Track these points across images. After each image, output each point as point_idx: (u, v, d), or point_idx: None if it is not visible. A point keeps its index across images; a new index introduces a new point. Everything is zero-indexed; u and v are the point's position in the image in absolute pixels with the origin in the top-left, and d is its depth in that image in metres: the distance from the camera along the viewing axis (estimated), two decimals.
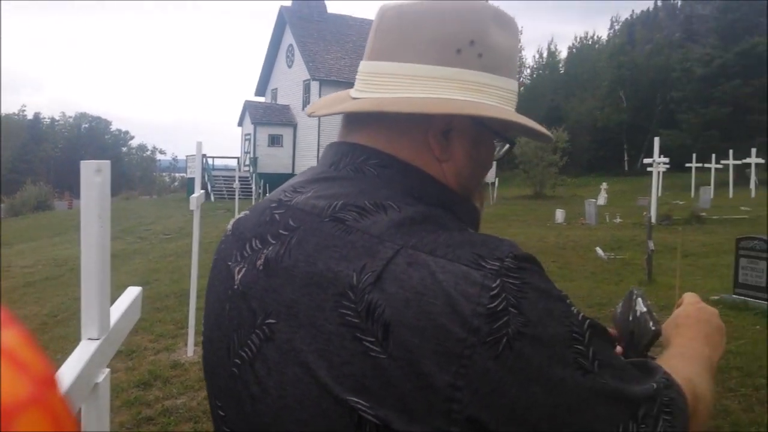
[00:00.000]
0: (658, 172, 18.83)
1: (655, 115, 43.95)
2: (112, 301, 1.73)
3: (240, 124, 42.12)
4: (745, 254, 7.65)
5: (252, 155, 38.46)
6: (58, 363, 1.20)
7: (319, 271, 0.70)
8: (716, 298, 7.92)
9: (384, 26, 0.83)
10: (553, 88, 58.86)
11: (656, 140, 18.52)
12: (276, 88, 43.31)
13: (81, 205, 1.48)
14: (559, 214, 19.39)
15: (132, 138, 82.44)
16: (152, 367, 5.58)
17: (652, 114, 44.40)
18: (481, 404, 0.63)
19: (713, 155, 27.16)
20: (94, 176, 1.46)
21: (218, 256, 0.87)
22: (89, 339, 1.37)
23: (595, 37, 68.61)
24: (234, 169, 38.00)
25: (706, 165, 26.85)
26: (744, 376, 5.04)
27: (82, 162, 1.47)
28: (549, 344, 0.66)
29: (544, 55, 68.98)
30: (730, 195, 25.24)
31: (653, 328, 1.01)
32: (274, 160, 37.70)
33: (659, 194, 20.15)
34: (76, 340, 1.37)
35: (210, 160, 37.89)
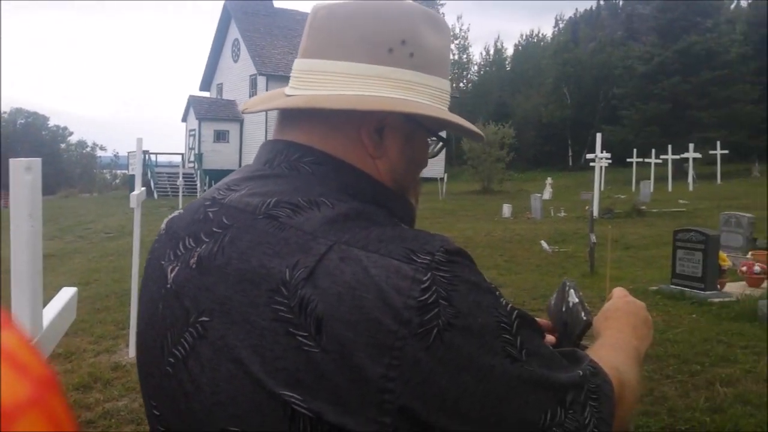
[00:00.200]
0: (601, 167, 19.38)
1: (598, 112, 45.20)
2: (48, 302, 1.68)
3: (184, 119, 41.26)
4: (681, 246, 7.94)
5: (197, 151, 37.76)
6: None
7: (252, 268, 0.70)
8: (655, 288, 8.21)
9: (316, 25, 0.84)
10: (500, 84, 59.84)
11: (598, 136, 19.04)
12: (221, 83, 42.62)
13: (10, 204, 1.43)
14: (506, 209, 19.74)
15: (71, 134, 79.67)
16: (92, 369, 5.42)
17: (594, 110, 45.64)
18: (413, 394, 0.65)
19: (653, 150, 28.11)
20: (23, 174, 1.41)
21: (152, 255, 0.87)
22: None
23: (540, 35, 70.14)
24: (178, 166, 37.31)
25: (647, 160, 27.77)
26: (681, 363, 5.24)
27: (10, 160, 1.42)
28: (478, 334, 0.67)
29: (491, 52, 70.00)
30: (669, 189, 26.14)
31: (585, 318, 1.04)
32: (220, 156, 37.11)
33: (601, 188, 20.72)
34: None
35: (153, 157, 37.03)
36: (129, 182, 36.46)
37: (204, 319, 0.72)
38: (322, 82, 0.82)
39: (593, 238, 9.26)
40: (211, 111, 38.98)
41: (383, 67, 0.81)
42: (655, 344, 5.71)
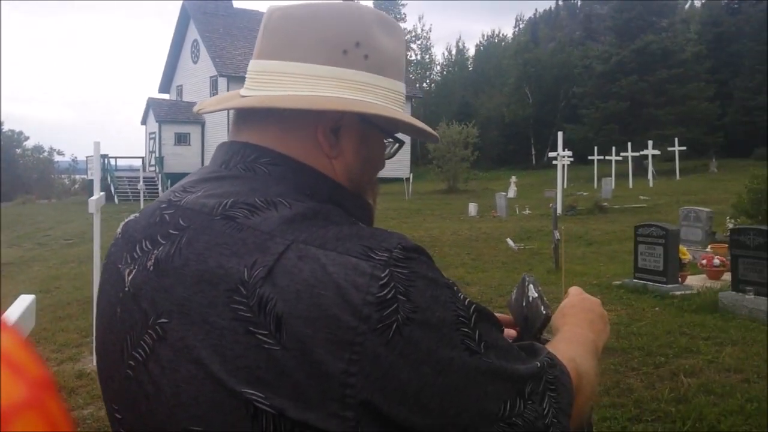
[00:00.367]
0: (563, 165, 19.67)
1: (559, 110, 45.95)
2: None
3: (144, 122, 40.52)
4: (643, 240, 8.09)
5: (158, 154, 37.13)
6: None
7: (210, 269, 0.71)
8: (618, 283, 8.35)
9: (271, 27, 0.85)
10: (463, 85, 60.35)
11: (560, 134, 19.34)
12: (181, 85, 42.00)
13: None
14: (472, 208, 19.88)
15: (27, 138, 77.52)
16: (56, 378, 5.27)
17: (556, 109, 46.37)
18: (374, 388, 0.66)
19: (613, 148, 28.66)
20: None
21: (108, 260, 0.86)
22: None
23: (501, 35, 70.92)
24: (138, 170, 36.65)
25: (607, 157, 28.31)
26: (645, 356, 5.34)
27: None
28: (437, 328, 0.68)
29: (453, 52, 70.50)
30: (630, 185, 26.69)
31: (544, 312, 1.06)
32: (182, 160, 36.45)
33: (564, 186, 21.06)
34: None
35: (112, 161, 36.31)
36: (88, 187, 35.66)
37: (163, 321, 0.72)
38: (277, 82, 0.83)
39: (557, 234, 9.38)
40: (171, 113, 38.34)
41: (338, 68, 0.82)
42: (620, 337, 5.81)
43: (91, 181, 6.06)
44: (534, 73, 47.47)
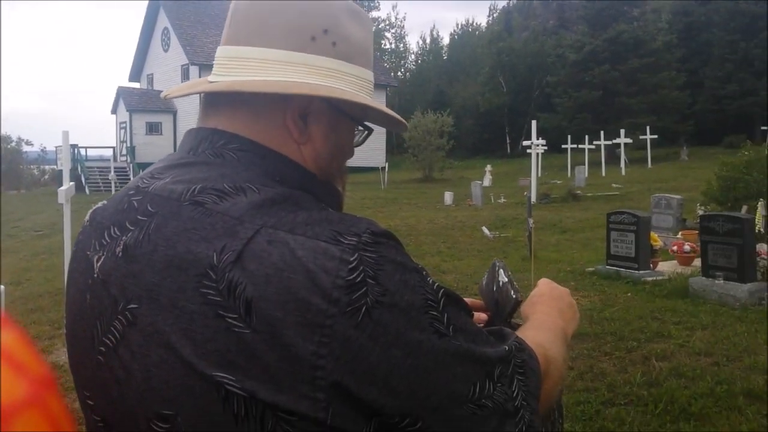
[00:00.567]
0: (537, 154, 19.83)
1: (533, 99, 46.19)
2: None
3: (114, 111, 39.79)
4: (615, 227, 8.20)
5: (129, 144, 36.55)
6: None
7: (179, 254, 0.71)
8: (591, 269, 8.46)
9: (239, 13, 0.85)
10: (438, 73, 60.34)
11: (534, 123, 19.47)
12: (152, 74, 41.34)
13: None
14: (448, 196, 19.95)
15: None
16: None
17: (530, 98, 46.63)
18: (344, 370, 0.66)
19: (586, 136, 28.93)
20: None
21: (77, 247, 0.86)
22: None
23: (475, 24, 70.98)
24: (109, 160, 36.06)
25: (580, 146, 28.57)
26: (618, 340, 5.42)
27: None
28: (406, 311, 0.69)
29: (428, 41, 70.41)
30: (603, 173, 27.00)
31: (514, 296, 1.08)
32: (154, 149, 35.78)
33: (539, 175, 21.21)
34: None
35: (82, 151, 35.65)
36: (58, 178, 35.02)
37: (132, 306, 0.72)
38: (245, 68, 0.83)
39: (531, 222, 9.46)
40: (142, 102, 37.74)
41: (306, 54, 0.83)
42: (593, 323, 5.90)
43: (61, 171, 5.95)
44: (508, 62, 47.63)
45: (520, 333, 0.91)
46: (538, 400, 0.81)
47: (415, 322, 0.69)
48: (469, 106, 48.97)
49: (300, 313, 0.66)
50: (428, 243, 11.82)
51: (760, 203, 9.31)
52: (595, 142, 28.26)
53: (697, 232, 8.14)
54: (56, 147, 35.18)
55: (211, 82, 0.85)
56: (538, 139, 19.40)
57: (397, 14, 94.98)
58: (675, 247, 8.69)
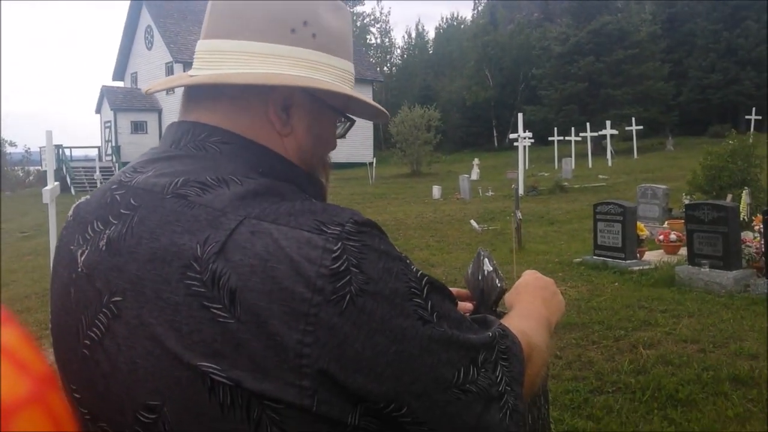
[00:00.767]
0: (524, 147, 19.89)
1: (519, 92, 46.28)
2: None
3: (98, 111, 39.40)
4: (601, 218, 8.25)
5: (114, 144, 36.24)
6: None
7: (163, 246, 0.71)
8: (579, 260, 8.51)
9: (218, 6, 0.86)
10: (424, 68, 60.31)
11: (520, 116, 19.53)
12: (136, 72, 40.97)
13: None
14: (436, 191, 19.97)
15: None
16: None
17: (516, 91, 46.74)
18: (329, 357, 0.67)
19: (572, 128, 29.04)
20: None
21: (61, 242, 0.86)
22: None
23: (460, 18, 70.97)
24: (94, 159, 35.77)
25: (567, 138, 28.66)
26: (605, 329, 5.46)
27: None
28: (390, 299, 0.70)
29: (413, 35, 70.34)
30: (590, 165, 27.12)
31: (499, 284, 1.10)
32: (139, 148, 35.34)
33: (526, 167, 21.30)
34: None
35: (67, 151, 35.33)
36: (43, 179, 34.73)
37: (117, 299, 0.73)
38: (225, 61, 0.83)
39: (519, 214, 9.51)
40: (126, 101, 37.40)
41: (287, 46, 0.83)
42: (581, 312, 5.94)
43: (45, 172, 5.90)
44: (494, 56, 47.68)
45: (504, 321, 0.92)
46: (522, 385, 0.82)
47: (399, 310, 0.70)
48: (456, 100, 49.02)
49: (284, 302, 0.66)
50: (417, 237, 11.84)
51: (744, 191, 9.40)
52: (581, 134, 28.37)
53: (682, 221, 8.21)
54: (40, 148, 34.84)
55: (192, 76, 0.85)
56: (524, 131, 19.45)
57: (382, 9, 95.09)
58: (661, 237, 8.76)
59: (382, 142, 42.08)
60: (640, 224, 8.44)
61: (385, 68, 64.70)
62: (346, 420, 0.70)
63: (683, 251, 7.82)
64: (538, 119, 36.42)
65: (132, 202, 0.77)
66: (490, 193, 19.47)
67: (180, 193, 0.74)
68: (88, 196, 0.87)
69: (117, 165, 33.71)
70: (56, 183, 5.42)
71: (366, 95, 0.93)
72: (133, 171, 0.82)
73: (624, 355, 4.85)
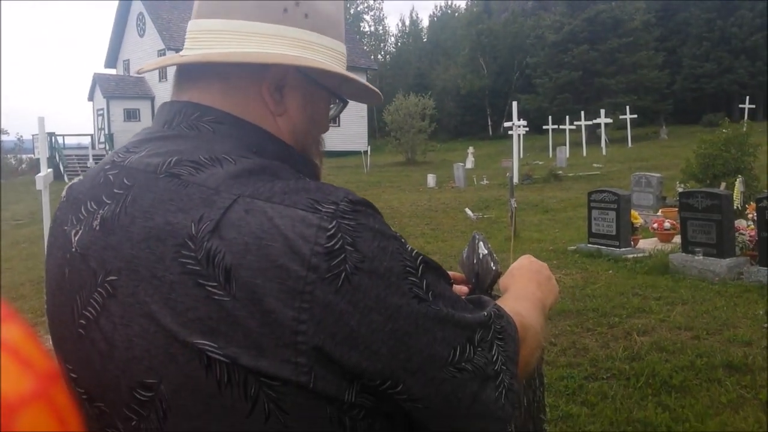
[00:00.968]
0: (518, 135, 19.88)
1: (514, 81, 46.19)
2: None
3: (90, 98, 39.16)
4: (596, 206, 8.27)
5: (107, 131, 36.03)
6: None
7: (157, 225, 0.71)
8: (573, 248, 8.53)
9: None
10: (418, 56, 60.09)
11: (514, 104, 19.49)
12: (128, 59, 40.64)
13: None
14: (431, 179, 19.96)
15: None
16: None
17: (510, 80, 46.64)
18: (325, 335, 0.67)
19: (567, 117, 29.03)
20: None
21: (54, 223, 0.86)
22: None
23: (454, 6, 70.65)
24: (87, 147, 35.56)
25: (561, 126, 28.67)
26: (600, 317, 5.49)
27: None
28: (385, 277, 0.70)
29: (407, 23, 70.01)
30: (584, 153, 27.13)
31: (494, 267, 1.11)
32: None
33: (521, 156, 21.29)
34: None
35: (60, 139, 35.11)
36: (35, 167, 34.55)
37: (112, 278, 0.73)
38: (218, 40, 0.82)
39: (514, 203, 9.52)
40: (119, 89, 37.16)
41: (280, 25, 0.82)
42: (575, 300, 5.96)
43: (38, 160, 5.87)
44: (488, 44, 47.52)
45: (500, 302, 0.92)
46: (518, 365, 0.83)
47: (394, 288, 0.70)
48: (450, 89, 48.87)
49: (280, 280, 0.66)
50: (412, 225, 11.85)
51: (738, 179, 9.43)
52: (575, 123, 28.37)
53: (676, 209, 8.24)
54: (33, 135, 34.63)
55: (184, 56, 0.84)
56: (519, 120, 19.43)
57: None
58: (655, 225, 8.79)
59: (377, 130, 41.99)
60: (634, 212, 8.46)
61: (379, 56, 64.46)
62: (342, 397, 0.70)
63: (677, 239, 7.85)
64: (532, 108, 36.39)
65: (125, 181, 0.77)
66: (485, 181, 19.47)
67: (173, 173, 0.74)
68: (81, 177, 0.87)
69: (110, 153, 33.60)
70: (49, 170, 5.40)
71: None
72: (126, 151, 0.82)
73: (618, 341, 4.87)
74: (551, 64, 38.48)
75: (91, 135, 38.51)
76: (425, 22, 70.26)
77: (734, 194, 8.52)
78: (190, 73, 0.85)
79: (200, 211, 0.70)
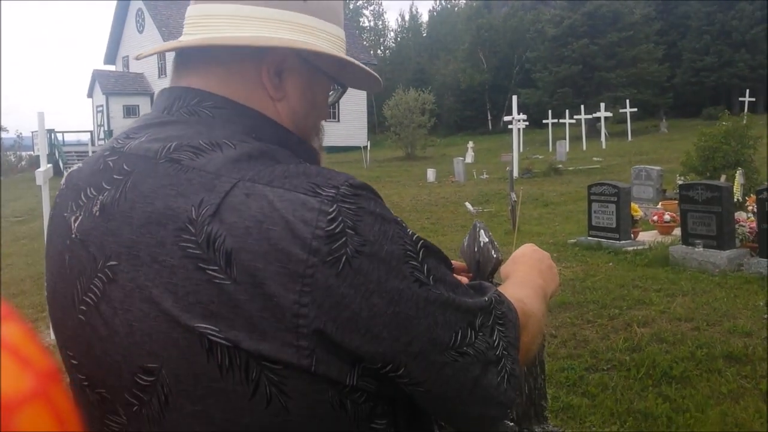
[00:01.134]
0: (518, 129, 19.85)
1: (513, 75, 46.10)
2: None
3: (90, 95, 39.15)
4: (596, 199, 8.26)
5: (107, 128, 36.02)
6: None
7: (157, 210, 0.71)
8: (573, 241, 8.54)
9: None
10: (418, 51, 59.98)
11: (514, 99, 19.47)
12: (127, 56, 40.54)
13: None
14: (431, 173, 19.95)
15: None
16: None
17: (510, 74, 46.51)
18: (326, 318, 0.67)
19: (567, 111, 28.99)
20: None
21: (54, 210, 0.86)
22: None
23: (454, 1, 70.37)
24: (87, 144, 35.57)
25: (561, 120, 28.63)
26: (600, 308, 5.50)
27: None
28: (386, 261, 0.70)
29: (407, 18, 69.86)
30: (584, 147, 27.09)
31: (495, 255, 1.12)
32: None
33: (520, 150, 21.27)
34: None
35: (60, 136, 35.13)
36: (35, 164, 34.56)
37: (112, 263, 0.73)
38: (216, 25, 0.82)
39: (514, 196, 9.52)
40: (118, 85, 37.14)
41: (279, 10, 0.81)
42: (576, 292, 5.97)
43: (38, 156, 5.86)
44: (488, 39, 47.40)
45: (501, 289, 0.92)
46: (518, 351, 0.83)
47: (395, 272, 0.70)
48: (450, 83, 48.77)
49: (281, 263, 0.66)
50: (412, 219, 11.85)
51: (738, 172, 9.43)
52: (575, 117, 28.33)
53: (676, 202, 8.23)
54: (32, 132, 34.62)
55: (182, 41, 0.84)
56: (519, 114, 19.41)
57: None
58: (655, 217, 8.79)
59: (377, 125, 41.93)
60: (634, 205, 8.46)
61: (379, 51, 64.34)
62: (344, 380, 0.70)
63: (677, 231, 7.86)
64: (532, 102, 36.33)
65: (125, 167, 0.77)
66: (485, 175, 19.47)
67: (173, 158, 0.74)
68: (80, 164, 0.87)
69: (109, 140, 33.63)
70: (49, 165, 5.39)
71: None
72: (125, 137, 0.82)
73: (619, 333, 4.88)
74: (551, 59, 38.38)
75: (91, 131, 38.48)
76: (425, 17, 70.31)
77: (734, 186, 8.52)
78: (189, 59, 0.85)
79: (200, 195, 0.69)
